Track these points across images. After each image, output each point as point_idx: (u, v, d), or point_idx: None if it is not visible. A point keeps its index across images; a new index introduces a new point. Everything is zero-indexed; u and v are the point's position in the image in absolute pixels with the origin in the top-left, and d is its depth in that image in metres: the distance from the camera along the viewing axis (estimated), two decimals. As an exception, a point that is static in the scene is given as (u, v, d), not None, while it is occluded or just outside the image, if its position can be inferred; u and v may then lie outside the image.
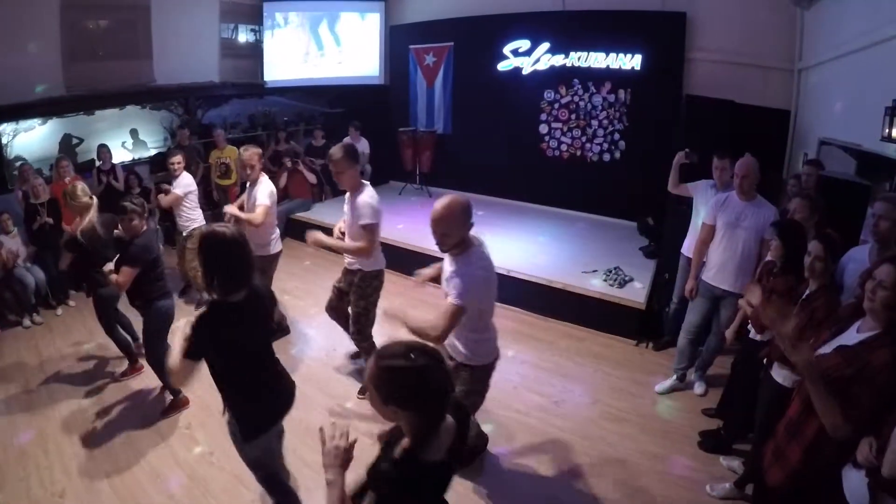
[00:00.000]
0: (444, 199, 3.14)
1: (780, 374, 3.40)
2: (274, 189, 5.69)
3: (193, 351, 2.68)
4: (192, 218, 6.53)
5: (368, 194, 4.54)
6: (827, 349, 2.58)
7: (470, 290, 3.08)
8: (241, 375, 2.94)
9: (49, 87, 8.18)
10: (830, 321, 2.93)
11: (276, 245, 5.77)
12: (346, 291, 4.94)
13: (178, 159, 6.55)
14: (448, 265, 3.33)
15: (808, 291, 3.30)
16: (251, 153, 5.58)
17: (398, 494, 1.92)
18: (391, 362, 1.83)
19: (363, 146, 9.87)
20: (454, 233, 3.16)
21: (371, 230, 4.50)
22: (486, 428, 4.60)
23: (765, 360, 3.59)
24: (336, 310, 5.17)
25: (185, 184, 6.49)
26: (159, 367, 4.60)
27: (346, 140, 8.73)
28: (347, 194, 4.68)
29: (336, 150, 4.51)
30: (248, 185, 5.73)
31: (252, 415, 3.06)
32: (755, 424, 3.71)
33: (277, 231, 5.86)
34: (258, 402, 3.05)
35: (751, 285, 3.74)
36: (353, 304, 4.84)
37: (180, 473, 4.19)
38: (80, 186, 5.15)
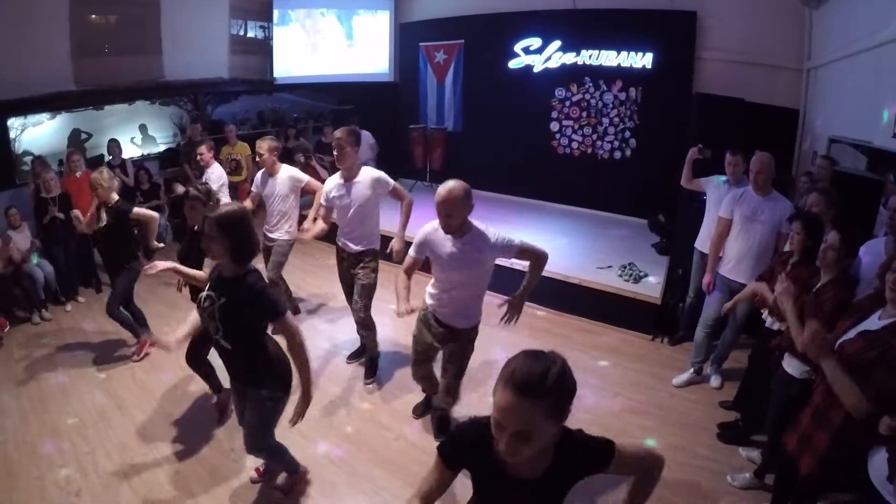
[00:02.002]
0: (447, 184, 3.45)
1: (790, 365, 3.47)
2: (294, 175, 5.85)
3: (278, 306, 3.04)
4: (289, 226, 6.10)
5: (372, 170, 4.91)
6: (851, 335, 2.65)
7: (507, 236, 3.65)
8: (269, 340, 3.30)
9: (56, 82, 8.24)
10: (839, 314, 3.00)
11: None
12: (352, 277, 5.10)
13: (203, 149, 6.63)
14: (452, 246, 3.63)
15: (819, 283, 3.36)
16: (259, 143, 5.72)
17: None
18: (555, 372, 1.58)
19: (366, 139, 9.86)
20: (458, 214, 3.46)
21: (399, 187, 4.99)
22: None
23: (777, 352, 3.66)
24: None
25: (218, 175, 6.62)
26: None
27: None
28: (340, 181, 4.88)
29: (341, 130, 4.74)
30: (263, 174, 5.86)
31: (286, 373, 3.34)
32: (768, 415, 3.79)
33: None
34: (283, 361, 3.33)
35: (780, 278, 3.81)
36: (362, 277, 5.00)
37: (200, 471, 4.17)
38: (106, 171, 5.41)
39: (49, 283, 6.87)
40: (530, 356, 1.64)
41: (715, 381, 5.22)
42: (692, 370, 5.25)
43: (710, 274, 4.90)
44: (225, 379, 4.02)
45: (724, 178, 5.19)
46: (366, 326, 5.17)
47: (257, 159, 5.78)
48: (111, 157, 8.08)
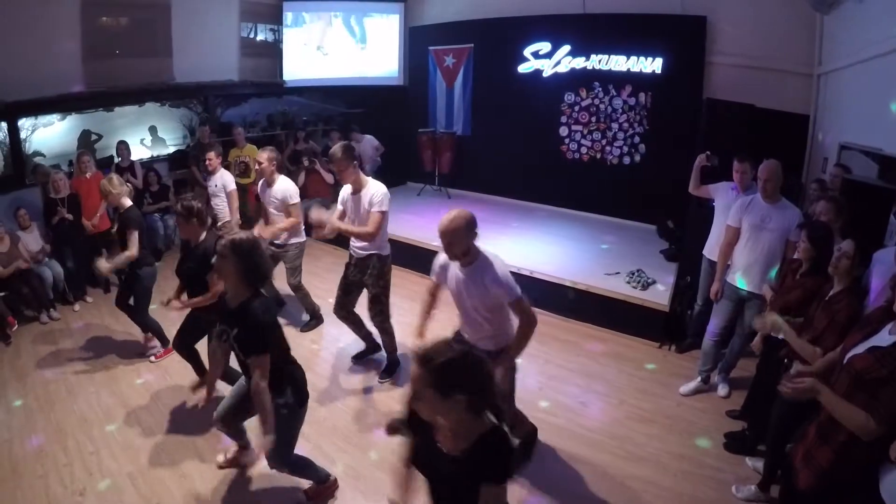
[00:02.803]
0: (450, 213, 3.50)
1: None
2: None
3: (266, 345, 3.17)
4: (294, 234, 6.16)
5: (377, 185, 4.94)
6: (860, 349, 2.61)
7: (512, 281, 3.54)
8: (287, 352, 3.46)
9: (67, 83, 8.27)
10: (852, 324, 2.97)
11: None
12: (355, 282, 5.23)
13: (211, 155, 6.62)
14: (461, 274, 3.64)
15: (831, 292, 3.33)
16: (260, 153, 5.91)
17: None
18: (445, 357, 1.97)
19: (367, 142, 9.99)
20: (458, 242, 3.48)
21: (383, 217, 4.91)
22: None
23: (784, 361, 3.64)
24: (344, 307, 5.38)
25: (224, 182, 6.64)
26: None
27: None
28: (349, 191, 5.02)
29: (336, 149, 4.88)
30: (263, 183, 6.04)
31: (301, 385, 3.50)
32: (771, 425, 3.76)
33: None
34: (299, 373, 3.53)
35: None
36: (371, 287, 5.13)
37: (206, 472, 4.18)
38: (115, 177, 5.44)
39: (57, 283, 6.91)
40: (443, 343, 2.10)
41: (722, 389, 5.18)
42: (699, 378, 5.21)
43: (718, 282, 4.86)
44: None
45: (732, 184, 5.15)
46: (383, 331, 5.36)
47: (256, 167, 5.97)
48: (120, 159, 8.09)
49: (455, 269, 3.69)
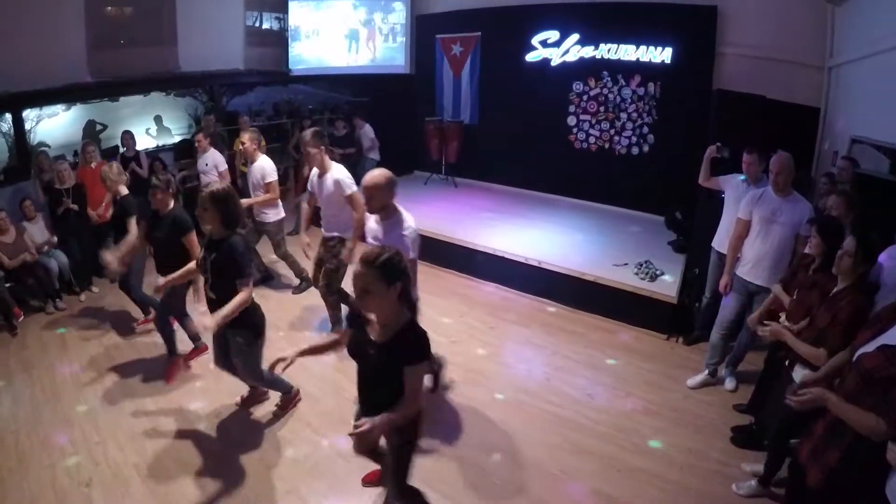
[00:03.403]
0: (374, 171, 4.11)
1: (800, 375, 3.42)
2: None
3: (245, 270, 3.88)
4: (272, 210, 6.71)
5: (339, 169, 5.43)
6: (870, 348, 2.59)
7: (415, 246, 4.11)
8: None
9: (72, 73, 8.25)
10: (856, 321, 2.96)
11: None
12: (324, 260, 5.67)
13: (200, 136, 7.40)
14: (378, 228, 4.22)
15: (836, 289, 3.30)
16: (242, 134, 6.75)
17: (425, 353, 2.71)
18: (385, 257, 2.58)
19: (368, 130, 10.00)
20: (378, 197, 4.05)
21: (358, 195, 5.19)
22: (521, 421, 4.69)
23: (787, 361, 3.62)
24: (317, 281, 5.85)
25: (217, 161, 7.38)
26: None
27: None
28: (315, 174, 5.51)
29: (307, 133, 5.42)
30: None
31: (258, 322, 4.14)
32: (777, 420, 3.73)
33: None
34: (258, 313, 4.16)
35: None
36: (327, 263, 5.56)
37: (211, 463, 4.20)
38: (115, 166, 5.82)
39: (63, 273, 6.91)
40: (376, 249, 2.65)
41: (730, 383, 5.17)
42: (707, 372, 5.20)
43: (727, 275, 4.82)
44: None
45: (742, 176, 5.10)
46: (326, 302, 5.76)
47: (240, 148, 6.59)
48: (125, 149, 8.06)
49: (372, 222, 4.29)
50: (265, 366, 4.21)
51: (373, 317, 2.72)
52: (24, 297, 6.67)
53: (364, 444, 2.92)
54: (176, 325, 5.34)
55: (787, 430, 3.64)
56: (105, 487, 3.92)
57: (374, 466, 3.82)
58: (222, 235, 3.89)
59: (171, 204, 5.05)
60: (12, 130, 7.88)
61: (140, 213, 5.47)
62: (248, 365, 4.18)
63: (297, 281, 7.18)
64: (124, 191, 5.78)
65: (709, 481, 4.04)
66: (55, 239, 7.00)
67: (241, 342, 4.06)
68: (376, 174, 4.05)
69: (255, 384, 4.52)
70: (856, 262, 3.15)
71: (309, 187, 5.63)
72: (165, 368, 5.31)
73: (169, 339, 5.25)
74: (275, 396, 4.85)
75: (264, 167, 6.44)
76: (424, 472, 4.06)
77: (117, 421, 4.65)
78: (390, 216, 4.15)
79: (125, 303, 6.65)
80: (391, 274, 2.56)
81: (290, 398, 4.78)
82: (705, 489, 3.97)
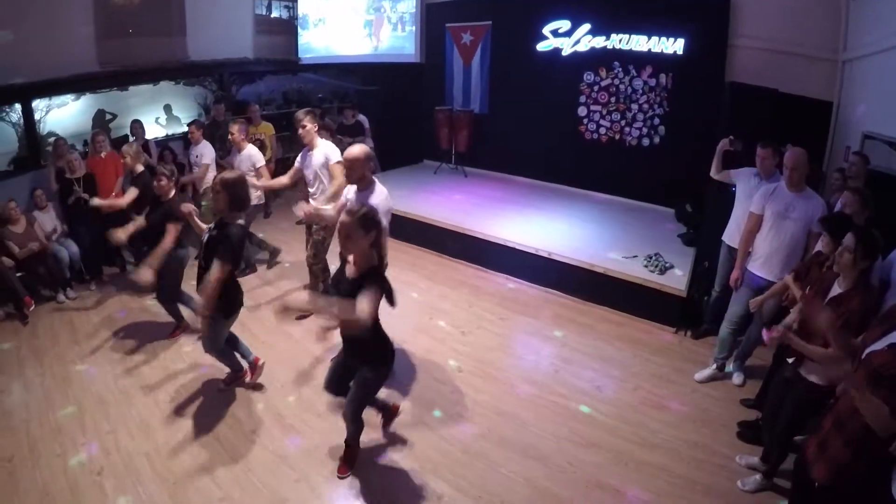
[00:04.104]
0: (355, 145, 4.58)
1: (809, 375, 3.43)
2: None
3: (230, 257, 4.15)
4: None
5: (326, 144, 5.90)
6: (879, 345, 2.58)
7: (384, 215, 4.34)
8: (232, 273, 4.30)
9: (80, 63, 8.26)
10: (867, 321, 2.94)
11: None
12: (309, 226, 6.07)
13: (192, 128, 7.60)
14: (353, 197, 4.62)
15: (841, 290, 3.27)
16: (231, 125, 6.98)
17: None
18: (363, 211, 3.29)
19: (363, 120, 10.03)
20: (356, 168, 4.49)
21: (338, 166, 5.61)
22: (530, 413, 4.70)
23: (795, 357, 3.60)
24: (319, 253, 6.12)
25: (205, 153, 7.56)
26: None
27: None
28: (305, 149, 5.91)
29: (300, 112, 5.84)
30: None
31: (234, 300, 4.49)
32: (781, 419, 3.73)
33: None
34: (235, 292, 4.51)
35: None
36: (314, 233, 5.94)
37: (221, 452, 4.23)
38: (136, 145, 6.32)
39: (74, 263, 6.94)
40: (354, 206, 3.60)
41: (737, 378, 5.16)
42: (715, 366, 5.19)
43: (738, 270, 4.80)
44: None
45: (755, 170, 5.06)
46: (312, 273, 6.16)
47: (230, 137, 6.97)
48: (134, 138, 8.07)
49: (352, 193, 4.70)
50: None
51: (351, 259, 3.42)
52: (35, 286, 6.69)
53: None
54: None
55: (792, 426, 3.65)
56: (116, 476, 3.96)
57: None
58: (228, 218, 4.20)
59: (172, 193, 5.35)
60: (22, 120, 7.90)
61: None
62: (211, 335, 4.51)
63: (265, 255, 7.77)
64: (140, 168, 6.15)
65: (715, 476, 4.05)
66: (64, 227, 7.03)
67: (213, 316, 4.33)
68: (356, 149, 4.52)
69: (212, 353, 4.69)
70: (855, 259, 3.12)
71: (297, 163, 5.97)
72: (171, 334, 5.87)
73: (176, 313, 5.81)
74: (277, 384, 4.95)
75: (252, 155, 6.89)
76: (432, 461, 4.13)
77: (128, 410, 4.69)
78: (367, 188, 4.59)
79: (134, 292, 6.70)
80: (367, 224, 3.25)
81: (237, 375, 5.05)
82: (712, 483, 3.98)
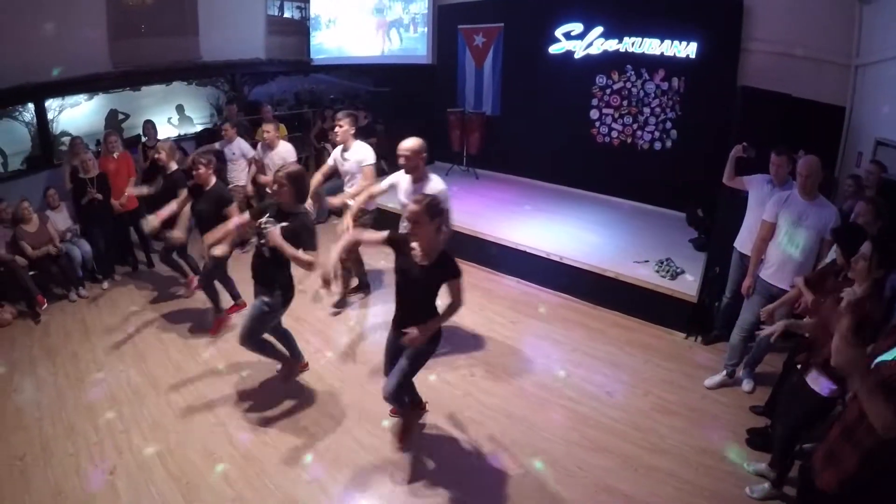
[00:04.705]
0: (411, 138, 4.85)
1: (816, 382, 3.41)
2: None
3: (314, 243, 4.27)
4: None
5: (362, 145, 6.11)
6: (889, 356, 2.57)
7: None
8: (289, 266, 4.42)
9: (93, 63, 8.30)
10: (878, 329, 2.92)
11: None
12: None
13: (227, 126, 7.73)
14: (409, 186, 4.99)
15: (855, 296, 3.25)
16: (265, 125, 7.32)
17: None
18: (429, 199, 3.54)
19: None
20: (412, 158, 4.81)
21: (371, 169, 5.98)
22: (539, 416, 4.71)
23: (802, 366, 3.60)
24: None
25: (245, 149, 7.70)
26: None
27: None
28: (340, 149, 6.13)
29: (341, 114, 6.15)
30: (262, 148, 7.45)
31: (290, 292, 4.55)
32: (785, 425, 3.73)
33: None
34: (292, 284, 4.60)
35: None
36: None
37: (234, 452, 4.25)
38: (171, 142, 6.51)
39: (86, 262, 6.99)
40: (420, 195, 3.72)
41: (747, 384, 5.15)
42: (725, 372, 5.18)
43: (751, 277, 4.78)
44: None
45: (768, 177, 5.04)
46: (349, 268, 6.51)
47: (264, 135, 7.25)
48: (147, 138, 8.12)
49: (406, 183, 5.02)
50: None
51: (415, 245, 3.60)
52: (48, 285, 6.74)
53: (416, 342, 3.58)
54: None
55: (797, 433, 3.64)
56: (129, 475, 3.99)
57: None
58: (293, 209, 4.29)
59: (213, 180, 5.59)
60: (35, 120, 7.95)
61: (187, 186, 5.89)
62: (253, 323, 4.45)
63: None
64: (174, 166, 6.27)
65: (723, 482, 4.05)
66: (77, 227, 7.08)
67: (267, 301, 4.41)
68: (411, 141, 4.82)
69: (243, 343, 4.56)
70: (871, 267, 3.11)
71: (331, 161, 6.18)
72: (212, 322, 6.04)
73: (214, 297, 5.93)
74: (289, 386, 4.95)
75: (289, 150, 7.27)
76: (443, 465, 4.14)
77: (141, 410, 4.72)
78: (421, 179, 4.92)
79: (147, 291, 6.75)
80: (433, 211, 3.49)
81: (292, 367, 5.09)
82: (720, 490, 3.98)
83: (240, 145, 7.73)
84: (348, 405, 4.79)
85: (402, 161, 4.85)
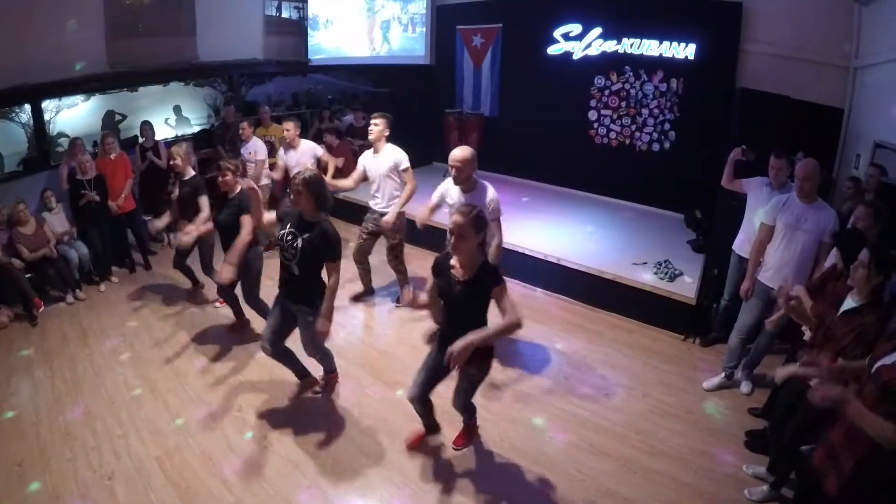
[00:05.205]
0: (461, 147, 4.78)
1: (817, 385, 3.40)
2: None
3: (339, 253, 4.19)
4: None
5: (394, 148, 5.95)
6: (889, 360, 2.58)
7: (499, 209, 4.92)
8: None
9: (90, 64, 8.25)
10: (878, 337, 2.93)
11: None
12: (376, 234, 6.19)
13: (244, 125, 7.80)
14: (460, 197, 4.91)
15: (854, 303, 3.25)
16: (286, 123, 7.12)
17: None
18: (475, 212, 3.39)
19: (349, 120, 10.40)
20: (465, 168, 4.71)
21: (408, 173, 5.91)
22: (539, 419, 4.71)
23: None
24: (366, 253, 6.36)
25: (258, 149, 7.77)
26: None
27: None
28: (371, 152, 6.02)
29: (378, 113, 5.95)
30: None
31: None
32: (787, 429, 3.72)
33: None
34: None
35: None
36: (390, 238, 6.09)
37: (233, 457, 4.23)
38: (185, 146, 6.29)
39: (83, 264, 6.96)
40: (464, 206, 3.54)
41: (745, 386, 5.16)
42: (723, 374, 5.19)
43: (749, 280, 4.78)
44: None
45: (767, 180, 5.05)
46: (399, 272, 6.38)
47: (284, 134, 7.11)
48: (144, 139, 8.09)
49: (455, 194, 4.94)
50: None
51: (454, 261, 3.48)
52: (44, 288, 6.72)
53: (460, 359, 3.31)
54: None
55: (796, 436, 3.64)
56: (128, 481, 3.97)
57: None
58: (315, 218, 4.12)
59: (238, 188, 5.30)
60: (32, 121, 7.92)
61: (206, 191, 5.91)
62: (311, 334, 4.34)
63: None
64: (191, 172, 6.13)
65: (722, 485, 4.05)
66: (74, 229, 7.05)
67: (310, 312, 4.27)
68: (464, 151, 4.71)
69: (313, 355, 4.65)
70: (869, 275, 3.11)
71: (360, 166, 6.04)
72: (235, 329, 5.95)
73: (235, 305, 5.82)
74: (289, 389, 4.92)
75: (313, 148, 7.15)
76: (441, 468, 4.14)
77: (139, 413, 4.69)
78: (473, 188, 4.88)
79: (144, 293, 6.73)
80: (479, 224, 3.36)
81: (333, 376, 5.04)
82: (719, 493, 3.98)
83: (255, 145, 7.79)
84: (348, 410, 4.77)
85: (453, 173, 4.75)
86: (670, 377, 5.38)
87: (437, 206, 5.27)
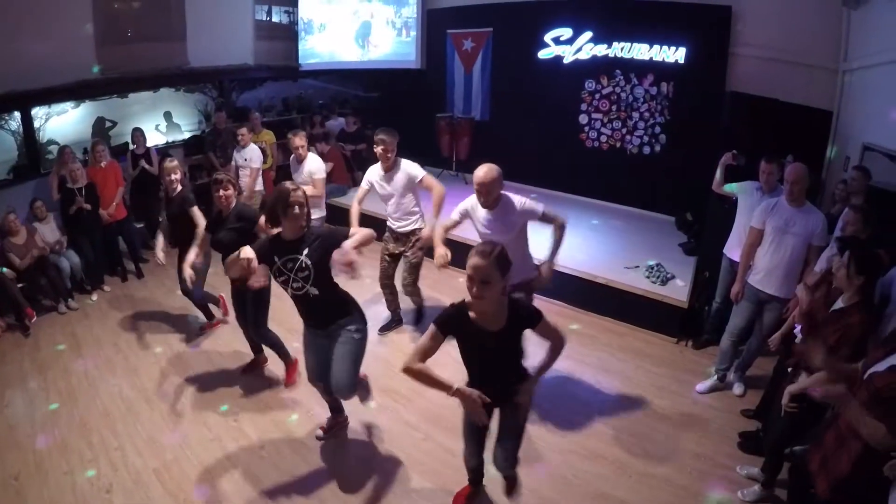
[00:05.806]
0: (484, 167, 4.26)
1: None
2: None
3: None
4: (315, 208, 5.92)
5: (407, 163, 5.58)
6: (881, 367, 2.60)
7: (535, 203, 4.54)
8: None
9: (80, 70, 8.20)
10: (866, 338, 2.98)
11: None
12: (398, 254, 5.83)
13: (243, 130, 7.73)
14: (490, 216, 4.50)
15: (844, 304, 3.29)
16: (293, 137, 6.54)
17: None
18: (498, 250, 2.75)
19: (338, 124, 10.61)
20: (494, 191, 4.29)
21: (430, 177, 5.62)
22: (533, 424, 4.70)
23: (793, 368, 3.64)
24: (391, 277, 5.97)
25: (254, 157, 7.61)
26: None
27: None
28: (381, 172, 5.60)
29: (384, 129, 5.49)
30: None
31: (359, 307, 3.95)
32: (779, 427, 3.74)
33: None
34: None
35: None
36: (412, 256, 5.71)
37: (231, 469, 4.22)
38: (176, 161, 5.82)
39: (75, 273, 6.96)
40: (483, 245, 2.80)
41: (738, 388, 5.20)
42: (716, 377, 5.23)
43: (739, 283, 4.81)
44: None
45: (757, 184, 5.10)
46: (413, 294, 6.01)
47: (293, 149, 6.53)
48: (135, 146, 8.07)
49: (482, 213, 4.50)
50: None
51: (474, 313, 2.89)
52: (36, 298, 6.70)
53: (527, 410, 3.28)
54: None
55: (787, 437, 3.68)
56: (125, 493, 3.97)
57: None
58: (297, 233, 3.60)
59: (234, 201, 4.85)
60: (21, 129, 7.88)
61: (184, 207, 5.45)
62: (354, 363, 3.86)
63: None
64: (180, 186, 5.65)
65: (718, 487, 4.08)
66: (65, 238, 7.04)
67: (353, 329, 3.83)
68: (489, 171, 4.23)
69: (350, 391, 3.96)
70: (849, 275, 3.16)
71: (369, 185, 5.68)
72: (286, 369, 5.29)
73: (278, 346, 5.15)
74: (288, 400, 4.91)
75: (314, 168, 6.50)
76: (439, 475, 4.16)
77: (135, 425, 4.69)
78: (496, 204, 4.41)
79: (137, 302, 6.72)
80: (503, 265, 2.78)
81: (344, 418, 4.63)
82: (713, 494, 4.02)
83: (252, 152, 7.69)
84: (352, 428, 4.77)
85: (481, 200, 4.34)
86: (663, 380, 5.42)
87: (455, 224, 4.90)
